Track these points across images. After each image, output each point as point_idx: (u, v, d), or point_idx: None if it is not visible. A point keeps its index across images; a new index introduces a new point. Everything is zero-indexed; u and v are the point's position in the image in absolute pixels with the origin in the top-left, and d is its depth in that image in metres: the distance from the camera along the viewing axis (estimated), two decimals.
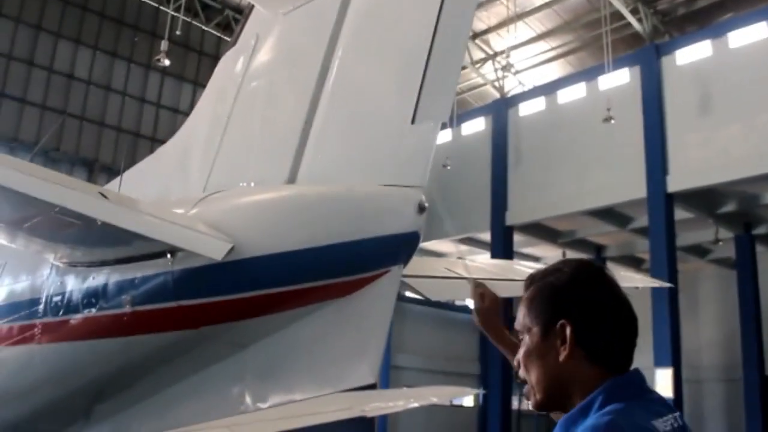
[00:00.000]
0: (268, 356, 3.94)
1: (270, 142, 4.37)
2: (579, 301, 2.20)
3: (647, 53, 27.72)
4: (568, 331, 2.15)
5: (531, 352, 2.24)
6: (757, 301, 28.94)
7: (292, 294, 3.69)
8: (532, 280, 2.35)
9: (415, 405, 12.74)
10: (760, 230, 29.65)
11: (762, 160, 23.65)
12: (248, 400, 4.04)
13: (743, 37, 25.49)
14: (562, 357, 2.15)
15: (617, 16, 27.14)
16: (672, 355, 24.26)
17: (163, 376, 4.53)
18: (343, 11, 4.19)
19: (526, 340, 2.27)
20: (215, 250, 3.54)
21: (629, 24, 28.14)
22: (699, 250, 32.05)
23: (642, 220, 28.64)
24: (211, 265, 3.75)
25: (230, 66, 4.93)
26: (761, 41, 25.01)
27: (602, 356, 2.16)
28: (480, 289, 3.10)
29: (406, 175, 3.63)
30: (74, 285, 4.43)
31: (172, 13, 29.25)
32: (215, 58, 33.53)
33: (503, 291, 3.42)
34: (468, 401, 38.25)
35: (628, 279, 7.83)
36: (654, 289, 25.29)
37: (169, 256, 3.93)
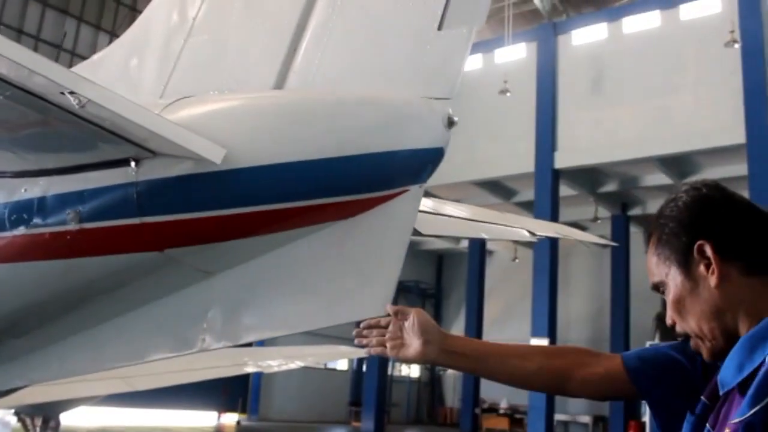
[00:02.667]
0: (247, 284, 3.47)
1: (251, 46, 3.85)
2: (710, 215, 1.93)
3: (545, 31, 28.23)
4: (708, 249, 1.86)
5: (679, 297, 1.94)
6: (627, 279, 30.24)
7: (289, 212, 3.21)
8: (650, 226, 2.10)
9: (300, 364, 12.45)
10: (635, 211, 30.95)
11: (645, 144, 24.60)
12: (213, 336, 3.58)
13: (637, 23, 26.31)
14: (713, 282, 1.86)
15: None
16: (548, 326, 25.03)
17: (102, 307, 3.98)
18: None
19: (670, 289, 1.97)
20: (213, 154, 3.04)
21: (529, 0, 28.44)
22: (577, 227, 32.97)
23: (526, 194, 29.31)
24: (190, 175, 3.24)
25: None
26: (654, 29, 25.92)
27: (762, 264, 1.87)
28: (400, 311, 2.75)
29: (430, 86, 3.22)
30: None
31: None
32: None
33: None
34: (342, 365, 38.33)
35: (573, 233, 7.71)
36: (536, 261, 26.05)
37: (133, 164, 3.38)
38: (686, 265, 1.93)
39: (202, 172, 3.22)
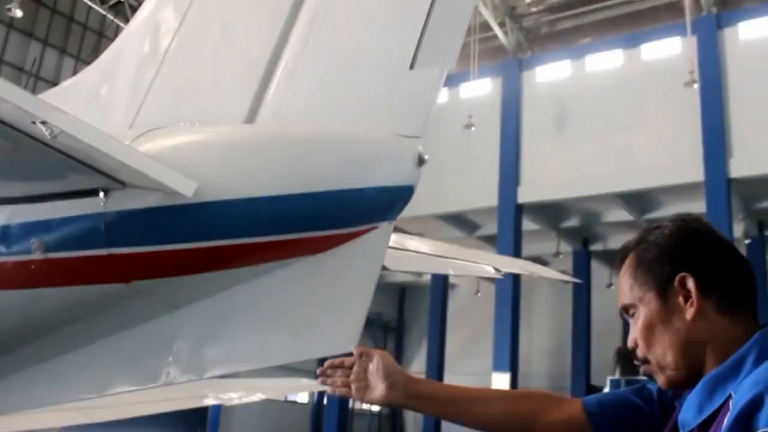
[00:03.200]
0: (214, 317, 3.44)
1: (222, 79, 3.85)
2: (696, 249, 1.95)
3: (510, 67, 28.65)
4: (691, 283, 1.89)
5: (650, 323, 1.95)
6: (588, 314, 30.42)
7: (258, 247, 3.21)
8: (625, 250, 2.11)
9: (260, 396, 12.36)
10: (597, 246, 31.25)
11: (607, 180, 24.97)
12: (179, 369, 3.54)
13: (600, 62, 26.81)
14: (689, 315, 1.88)
15: (485, 26, 27.71)
16: (510, 360, 25.06)
17: (65, 338, 3.92)
18: None
19: (640, 313, 1.99)
20: (184, 187, 3.03)
21: (495, 36, 28.81)
22: (539, 261, 33.25)
23: (489, 228, 29.48)
24: (160, 208, 3.23)
25: None
26: (616, 68, 26.45)
27: (736, 304, 1.90)
28: (365, 353, 2.78)
29: (401, 124, 3.24)
30: None
31: None
32: (70, 19, 31.64)
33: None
34: (303, 397, 37.94)
35: (538, 270, 7.78)
36: (498, 295, 26.15)
37: (102, 194, 3.36)
38: (664, 294, 1.94)
39: (172, 204, 3.21)
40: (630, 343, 2.05)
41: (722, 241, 1.99)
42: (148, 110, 4.05)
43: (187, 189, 3.03)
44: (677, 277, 1.91)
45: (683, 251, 1.95)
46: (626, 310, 2.07)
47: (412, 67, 3.28)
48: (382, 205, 3.24)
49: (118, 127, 4.06)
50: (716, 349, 1.86)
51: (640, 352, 2.00)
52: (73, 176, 3.37)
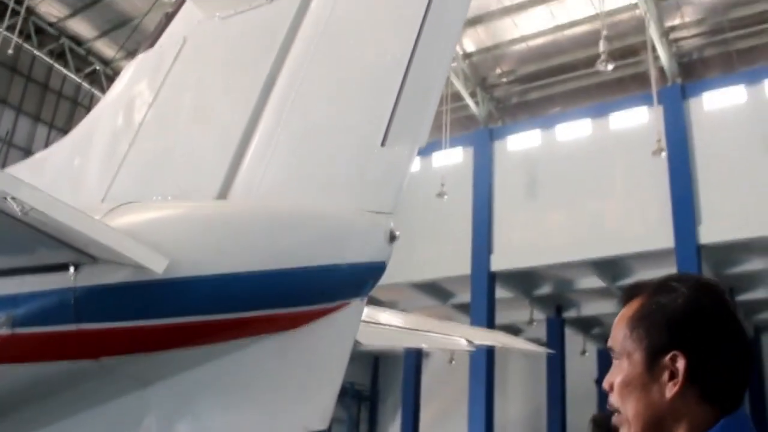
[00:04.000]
0: (184, 394, 3.40)
1: (196, 154, 3.88)
2: (698, 331, 1.90)
3: (481, 136, 29.06)
4: (681, 365, 1.86)
5: (630, 382, 1.93)
6: (563, 381, 30.23)
7: (229, 323, 3.20)
8: (636, 291, 2.05)
9: None
10: (570, 314, 31.26)
11: (579, 248, 25.14)
12: None
13: (569, 131, 27.28)
14: (669, 393, 1.86)
15: (456, 96, 28.17)
16: (485, 429, 24.80)
17: (32, 415, 3.84)
18: (298, 19, 3.86)
19: (624, 365, 1.96)
20: (156, 263, 3.02)
21: (467, 105, 29.27)
22: (513, 329, 33.17)
23: (463, 296, 29.44)
24: (131, 283, 3.21)
25: (146, 69, 4.43)
26: (585, 137, 26.90)
27: (719, 395, 1.88)
28: None
29: (373, 200, 3.28)
30: None
31: (2, 31, 27.35)
32: (44, 87, 31.68)
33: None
34: None
35: (512, 341, 7.76)
36: (472, 365, 25.99)
37: (72, 269, 3.35)
38: (652, 362, 1.91)
39: (143, 280, 3.20)
40: (605, 385, 2.04)
41: (729, 325, 1.94)
42: (122, 183, 4.06)
43: (158, 265, 3.03)
44: (670, 353, 1.88)
45: (685, 328, 1.91)
46: (611, 349, 2.05)
47: (383, 144, 3.34)
48: (354, 281, 3.25)
49: (90, 199, 4.07)
50: (684, 431, 1.86)
51: (613, 401, 1.99)
52: (43, 251, 3.36)
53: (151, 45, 4.57)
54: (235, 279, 3.23)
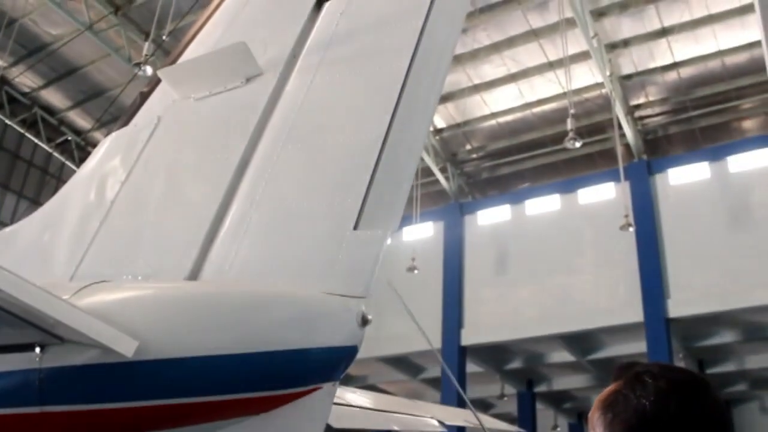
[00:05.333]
0: None
1: (168, 234, 3.86)
2: None
3: (451, 211, 29.32)
4: None
5: None
6: None
7: (198, 407, 3.13)
8: (620, 373, 2.06)
9: None
10: (541, 388, 31.10)
11: (549, 322, 25.20)
12: None
13: (539, 206, 27.63)
14: None
15: (427, 171, 28.49)
16: None
17: None
18: (273, 101, 3.91)
19: None
20: (124, 346, 2.98)
21: (437, 181, 29.58)
22: (484, 404, 32.92)
23: (433, 371, 29.24)
24: (98, 365, 3.16)
25: (120, 146, 4.44)
26: (554, 212, 27.24)
27: None
28: None
29: (345, 284, 3.27)
30: None
31: None
32: (15, 156, 31.54)
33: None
34: None
35: (481, 420, 7.68)
36: None
37: (38, 349, 3.28)
38: None
39: (110, 362, 3.15)
40: None
41: (696, 425, 1.90)
42: (91, 261, 4.02)
43: (127, 348, 2.99)
44: None
45: (643, 430, 1.90)
46: (588, 420, 2.05)
47: (356, 227, 3.35)
48: (326, 365, 3.22)
49: (59, 276, 4.03)
50: None
51: None
52: (8, 330, 3.29)
53: (125, 123, 4.59)
54: (205, 362, 3.18)
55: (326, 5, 4.38)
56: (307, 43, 4.20)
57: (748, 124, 27.38)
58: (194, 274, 3.61)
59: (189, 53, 4.79)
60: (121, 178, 4.24)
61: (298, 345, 3.16)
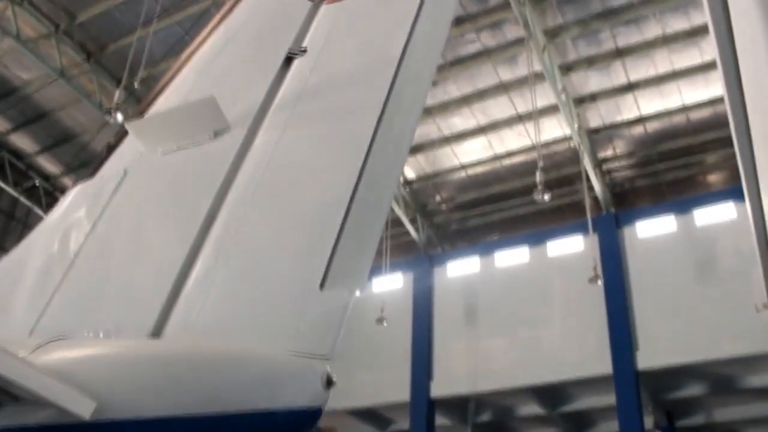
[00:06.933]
0: None
1: (131, 288, 3.80)
2: None
3: (421, 262, 29.31)
4: None
5: None
6: None
7: None
8: None
9: None
10: None
11: (518, 374, 25.11)
12: None
13: (508, 258, 27.70)
14: None
15: (397, 222, 28.52)
16: None
17: None
18: (240, 157, 3.90)
19: None
20: (82, 407, 2.90)
21: (407, 232, 29.61)
22: None
23: (402, 424, 28.88)
24: (55, 426, 3.07)
25: (85, 198, 4.38)
26: (523, 264, 27.33)
27: None
28: None
29: (310, 344, 3.22)
30: None
31: None
32: None
33: None
34: None
35: None
36: None
37: None
38: None
39: (67, 423, 3.07)
40: None
41: None
42: (53, 315, 3.94)
43: (85, 409, 2.92)
44: None
45: None
46: None
47: (322, 286, 3.32)
48: (289, 427, 3.16)
49: (20, 329, 3.93)
50: None
51: None
52: None
53: (92, 174, 4.54)
54: (166, 423, 3.11)
55: (296, 61, 4.40)
56: (276, 98, 4.20)
57: (713, 178, 27.81)
58: (157, 331, 3.54)
59: (158, 105, 4.78)
60: (85, 231, 4.18)
61: (261, 406, 3.11)
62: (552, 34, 22.83)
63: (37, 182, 31.87)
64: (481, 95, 25.21)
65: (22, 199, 31.94)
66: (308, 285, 3.34)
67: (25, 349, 3.46)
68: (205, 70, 4.82)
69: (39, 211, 31.08)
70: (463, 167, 28.48)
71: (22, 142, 30.50)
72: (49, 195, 31.63)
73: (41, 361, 3.32)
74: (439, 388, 26.76)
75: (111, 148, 4.62)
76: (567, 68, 23.92)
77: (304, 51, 4.46)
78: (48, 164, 31.50)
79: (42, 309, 3.97)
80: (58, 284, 4.04)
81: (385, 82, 3.99)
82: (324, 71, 4.25)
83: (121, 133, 4.68)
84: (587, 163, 25.28)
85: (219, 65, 4.81)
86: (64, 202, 4.57)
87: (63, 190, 25.93)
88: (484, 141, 27.07)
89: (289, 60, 4.43)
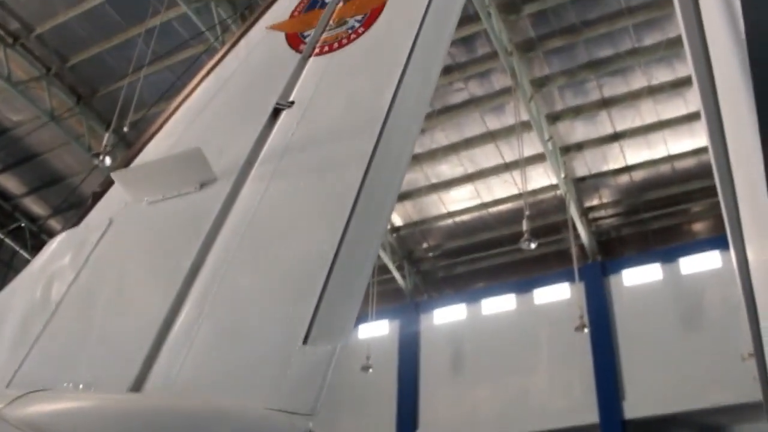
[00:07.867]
0: None
1: (112, 341, 3.75)
2: None
3: (408, 309, 29.25)
4: None
5: None
6: None
7: None
8: None
9: None
10: None
11: (504, 422, 24.94)
12: None
13: (494, 305, 27.69)
14: None
15: (383, 269, 28.48)
16: None
17: None
18: (226, 209, 3.89)
19: None
20: None
21: (393, 278, 29.55)
22: None
23: None
24: None
25: (69, 247, 4.35)
26: (510, 311, 27.31)
27: None
28: None
29: (292, 401, 3.18)
30: None
31: None
32: None
33: None
34: None
35: None
36: None
37: None
38: None
39: None
40: None
41: None
42: (32, 366, 3.89)
43: None
44: None
45: None
46: None
47: (306, 340, 3.29)
48: None
49: None
50: None
51: None
52: None
53: (77, 223, 4.52)
54: None
55: (283, 113, 4.43)
56: (263, 150, 4.22)
57: (698, 227, 27.97)
58: (138, 385, 3.49)
59: (146, 153, 4.79)
60: (68, 280, 4.15)
61: None
62: (539, 83, 23.12)
63: (23, 224, 31.71)
64: (468, 143, 25.40)
65: (8, 240, 31.75)
66: (291, 339, 3.31)
67: (2, 400, 3.41)
68: (194, 120, 4.84)
69: (24, 254, 30.86)
70: (450, 215, 28.57)
71: (9, 183, 30.43)
72: (36, 237, 31.44)
73: (17, 414, 3.27)
74: None
75: (96, 197, 4.61)
76: (554, 117, 24.17)
77: (292, 103, 4.49)
78: (35, 206, 31.39)
79: (21, 359, 3.92)
80: (38, 334, 3.99)
81: (372, 135, 4.01)
82: (311, 124, 4.28)
83: (107, 182, 4.67)
84: (573, 212, 25.43)
85: (207, 115, 4.83)
86: (48, 250, 4.54)
87: (50, 233, 25.80)
88: (471, 189, 27.20)
89: (277, 112, 4.46)
